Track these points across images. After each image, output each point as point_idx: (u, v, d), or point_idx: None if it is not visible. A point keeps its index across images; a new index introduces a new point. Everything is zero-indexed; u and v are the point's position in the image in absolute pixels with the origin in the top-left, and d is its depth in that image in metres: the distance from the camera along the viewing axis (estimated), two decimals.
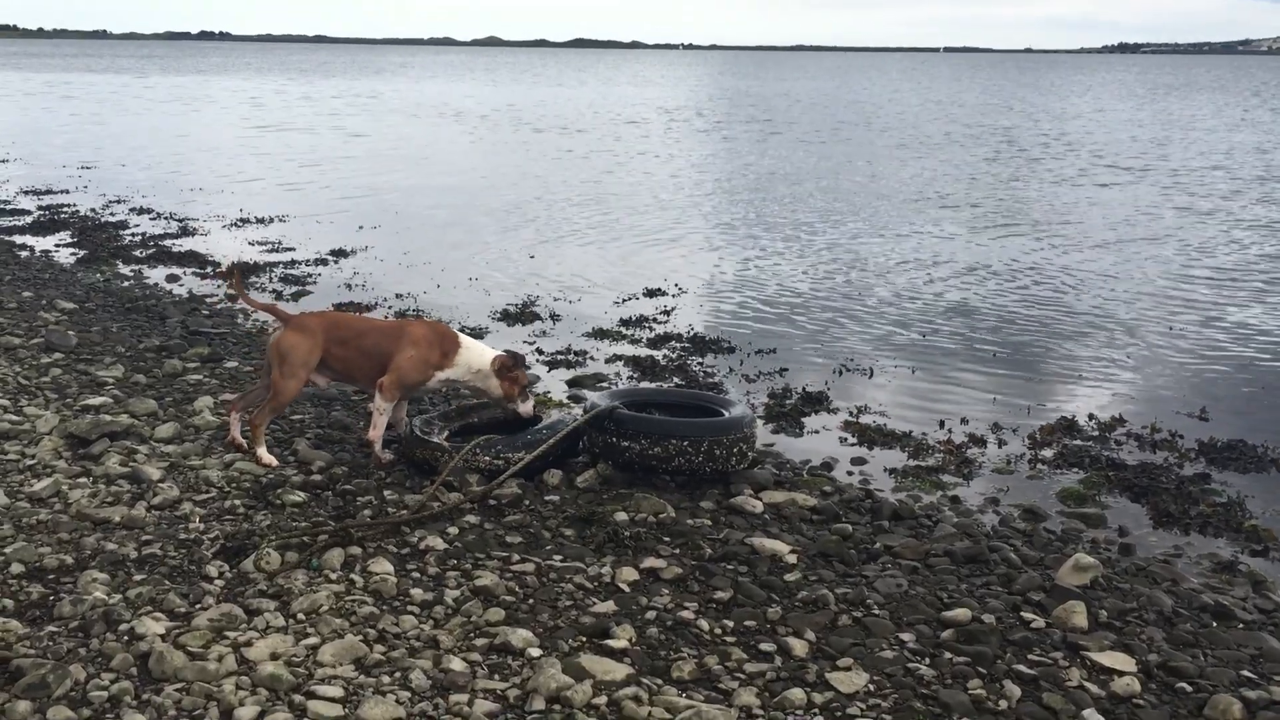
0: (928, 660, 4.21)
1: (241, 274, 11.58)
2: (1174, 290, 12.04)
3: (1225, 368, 9.14)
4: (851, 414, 7.77)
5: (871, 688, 4.00)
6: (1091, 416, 7.74)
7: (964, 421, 7.65)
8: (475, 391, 6.23)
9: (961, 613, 4.53)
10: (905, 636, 4.37)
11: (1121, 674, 4.15)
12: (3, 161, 22.85)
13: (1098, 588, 4.91)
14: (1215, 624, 4.72)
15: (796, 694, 3.89)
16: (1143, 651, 4.34)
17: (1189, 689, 4.10)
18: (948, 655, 4.24)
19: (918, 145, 29.83)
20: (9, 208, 16.50)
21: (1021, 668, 4.15)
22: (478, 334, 9.66)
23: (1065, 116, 44.17)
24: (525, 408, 6.21)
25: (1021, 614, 4.60)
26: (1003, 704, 3.92)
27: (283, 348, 6.00)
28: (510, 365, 6.08)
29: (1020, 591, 4.82)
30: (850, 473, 6.67)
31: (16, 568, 4.60)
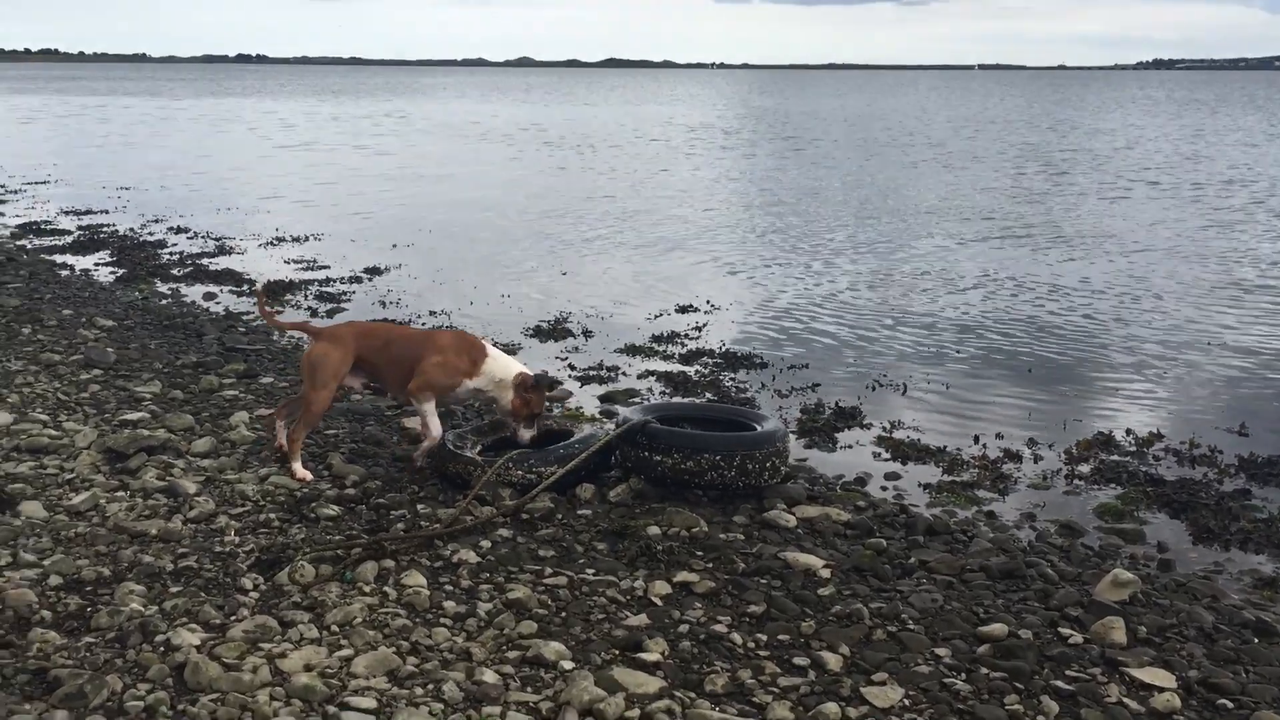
0: (964, 675, 4.16)
1: (270, 294, 11.69)
2: (1212, 305, 11.91)
3: (1265, 383, 9.02)
4: (885, 429, 7.72)
5: (907, 702, 3.96)
6: (1129, 431, 7.66)
7: (999, 436, 7.59)
8: (490, 401, 6.20)
9: (998, 628, 4.48)
10: (941, 651, 4.33)
11: (1161, 690, 4.09)
12: (44, 183, 23.20)
13: (1137, 603, 4.85)
14: (1257, 640, 4.65)
15: (831, 708, 3.86)
16: (1183, 668, 4.28)
17: (1230, 705, 4.03)
18: (984, 670, 4.19)
19: (947, 161, 29.71)
20: (50, 227, 16.74)
21: (1059, 683, 4.10)
22: (510, 350, 9.70)
23: (1098, 132, 43.88)
24: (524, 433, 6.07)
25: (1059, 629, 4.55)
26: None
27: (313, 359, 6.07)
28: (528, 385, 6.02)
29: (1058, 607, 4.76)
30: (884, 488, 6.63)
31: (55, 580, 4.64)
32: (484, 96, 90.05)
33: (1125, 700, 4.02)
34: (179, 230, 16.72)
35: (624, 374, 9.02)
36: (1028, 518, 6.21)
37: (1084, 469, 6.98)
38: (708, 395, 8.39)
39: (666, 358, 9.55)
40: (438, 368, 6.00)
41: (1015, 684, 4.09)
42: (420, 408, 6.04)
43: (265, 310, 6.74)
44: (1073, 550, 5.65)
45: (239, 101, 73.06)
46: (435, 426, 6.03)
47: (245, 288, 12.26)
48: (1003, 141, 38.15)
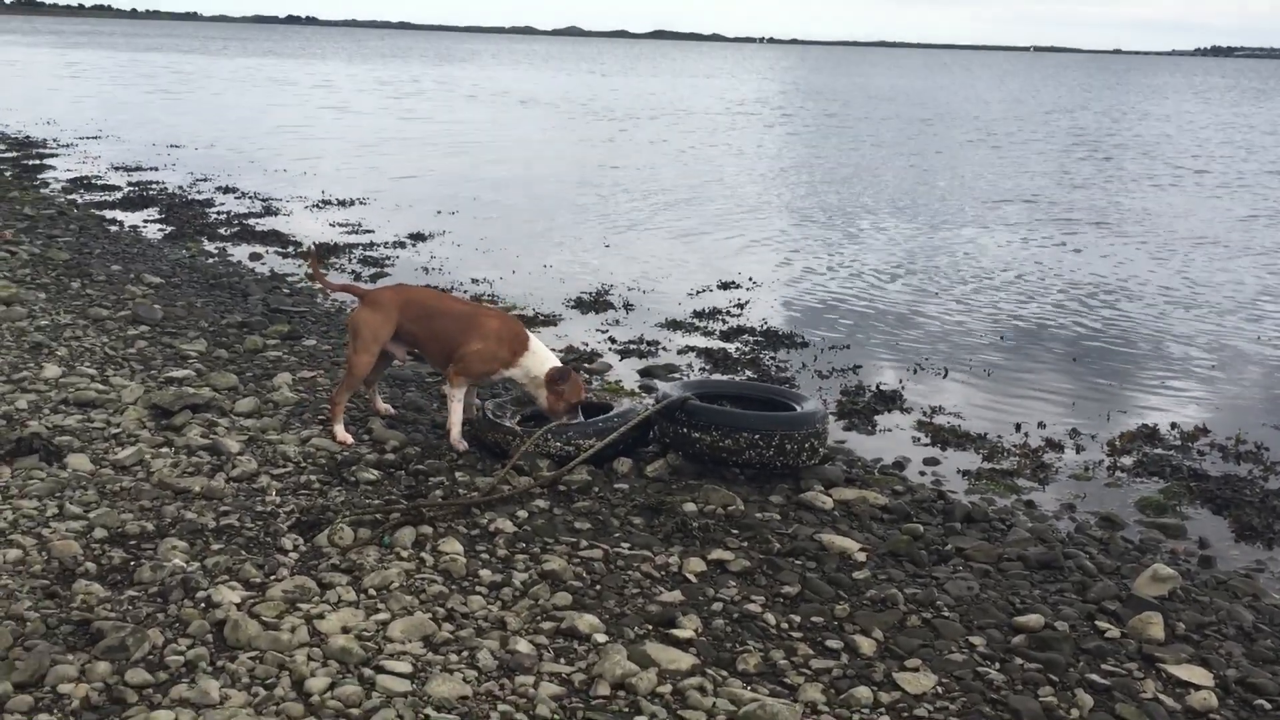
0: (998, 665, 4.14)
1: (321, 256, 11.76)
2: (1262, 299, 11.71)
3: None
4: (925, 413, 7.67)
5: (940, 690, 3.95)
6: (1174, 425, 7.57)
7: (1040, 425, 7.52)
8: (527, 396, 6.15)
9: (1034, 619, 4.45)
10: (975, 640, 4.31)
11: (1198, 688, 4.05)
12: (95, 138, 23.44)
13: (1176, 599, 4.80)
14: None
15: (863, 692, 3.86)
16: (1221, 666, 4.23)
17: (1268, 706, 3.99)
18: (1019, 661, 4.17)
19: (995, 143, 29.35)
20: (100, 183, 16.93)
21: (1095, 677, 4.07)
22: (551, 321, 9.72)
23: (1150, 118, 43.17)
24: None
25: (1096, 623, 4.51)
26: (1074, 713, 3.85)
27: (355, 323, 6.09)
28: (556, 379, 5.91)
29: (1095, 600, 4.72)
30: (922, 473, 6.59)
31: (100, 532, 4.72)
32: (532, 64, 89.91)
33: (1161, 697, 3.99)
34: (227, 190, 16.85)
35: (664, 349, 9.01)
36: (1067, 508, 6.16)
37: (1126, 461, 6.91)
38: (748, 373, 8.36)
39: (707, 334, 9.53)
40: (476, 356, 5.94)
41: (1050, 676, 4.07)
42: (450, 392, 6.01)
43: (318, 271, 6.74)
44: (1112, 543, 5.60)
45: (289, 63, 73.38)
46: (457, 413, 6.01)
47: (291, 249, 12.35)
48: (1053, 125, 37.63)
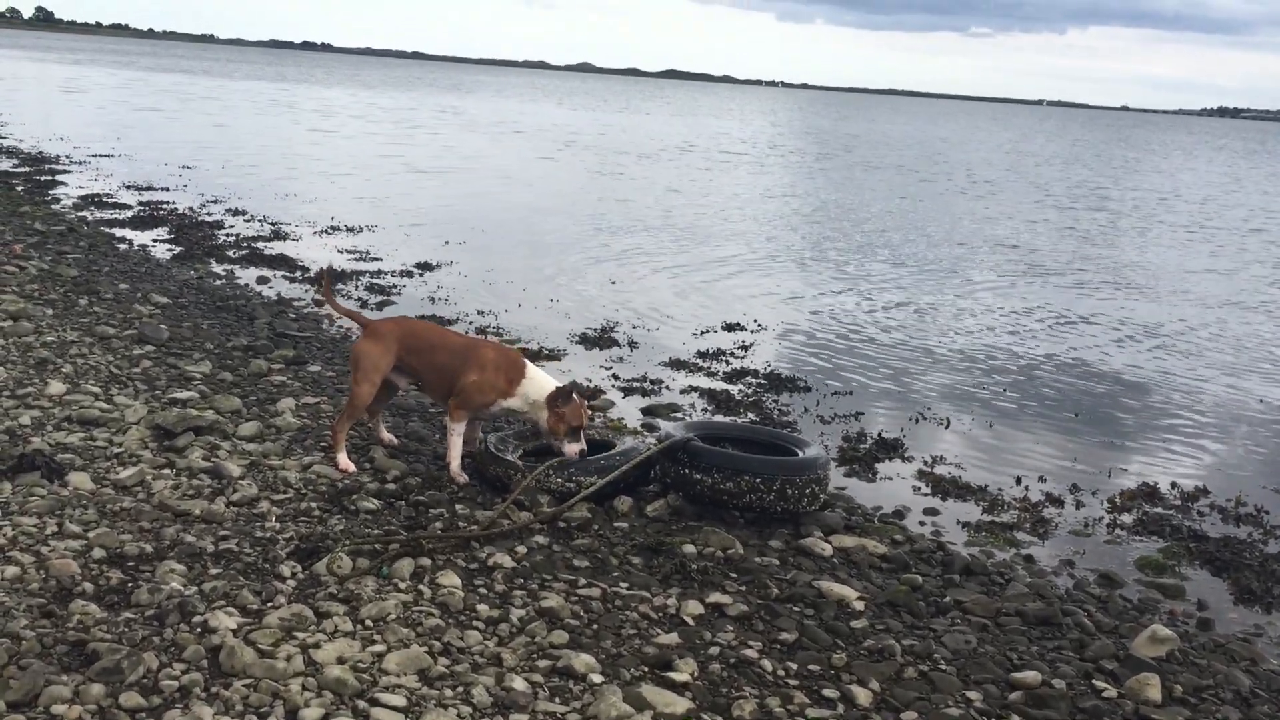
0: None
1: (333, 278, 11.79)
2: (1263, 360, 11.73)
3: None
4: (926, 463, 7.67)
5: None
6: (1174, 484, 7.56)
7: (1041, 479, 7.52)
8: (530, 423, 6.15)
9: (1031, 675, 4.44)
10: (972, 695, 4.30)
11: None
12: (107, 156, 23.56)
13: (1174, 661, 4.78)
14: None
15: None
16: None
17: None
18: (1015, 718, 4.15)
19: (997, 192, 29.49)
20: (111, 201, 17.00)
21: None
22: (555, 356, 9.74)
23: (1156, 175, 43.39)
24: (570, 448, 5.92)
25: (1093, 682, 4.50)
26: None
27: (357, 353, 6.13)
28: (556, 399, 5.90)
29: (1093, 658, 4.71)
30: (922, 523, 6.58)
31: (98, 552, 4.71)
32: (544, 98, 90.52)
33: None
34: (237, 212, 16.93)
35: (667, 388, 9.03)
36: (1066, 564, 6.14)
37: (1126, 519, 6.90)
38: (750, 416, 8.37)
39: (710, 374, 9.55)
40: (474, 387, 5.97)
41: None
42: (451, 426, 6.03)
43: (330, 293, 6.74)
44: (1111, 601, 5.58)
45: (304, 88, 73.88)
46: (457, 449, 6.03)
47: (299, 274, 12.39)
48: (1062, 179, 37.82)
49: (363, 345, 6.14)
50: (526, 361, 6.14)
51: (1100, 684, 4.48)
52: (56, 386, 6.84)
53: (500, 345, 6.46)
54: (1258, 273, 18.33)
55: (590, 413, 6.16)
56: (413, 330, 6.30)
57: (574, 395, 5.94)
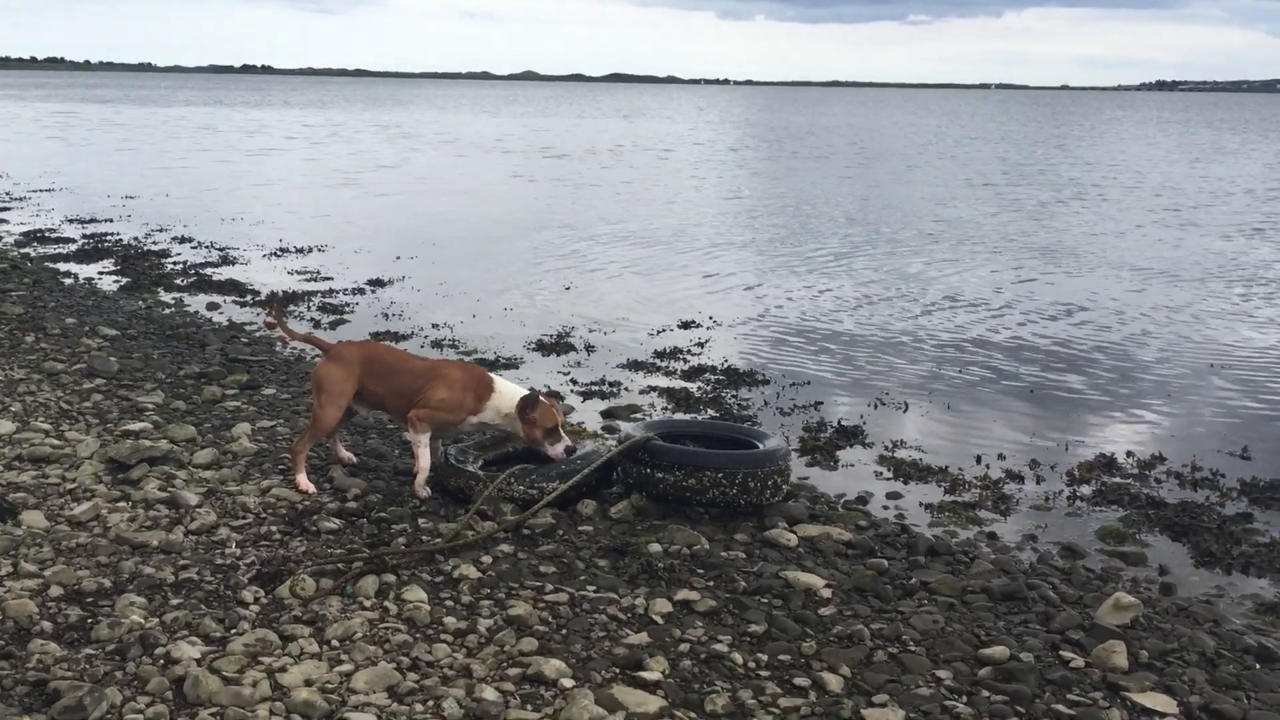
0: (965, 698, 4.15)
1: (282, 304, 11.69)
2: (1214, 326, 11.92)
3: (1267, 405, 9.02)
4: (887, 448, 7.72)
5: None
6: (1130, 454, 7.66)
7: (1001, 457, 7.59)
8: (507, 435, 6.17)
9: (999, 650, 4.47)
10: (942, 674, 4.32)
11: (1163, 715, 4.08)
12: (48, 190, 23.23)
13: (1138, 627, 4.83)
14: (1259, 666, 4.64)
15: None
16: (1184, 693, 4.26)
17: None
18: (985, 693, 4.18)
19: (945, 178, 29.77)
20: (54, 235, 16.75)
21: (1060, 707, 4.09)
22: (513, 364, 9.71)
23: (1098, 153, 43.98)
24: (553, 450, 5.96)
25: (1060, 653, 4.54)
26: None
27: (320, 377, 6.09)
28: (525, 407, 5.90)
29: (1059, 630, 4.75)
30: (885, 507, 6.62)
31: (56, 590, 4.64)
32: (488, 109, 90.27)
33: None
34: (183, 240, 16.74)
35: (626, 390, 9.02)
36: (1029, 539, 6.20)
37: (1086, 490, 6.98)
38: (710, 412, 8.38)
39: (669, 374, 9.56)
40: (443, 405, 5.93)
41: (1016, 707, 4.08)
42: (414, 438, 5.97)
43: (280, 319, 6.67)
44: (1074, 573, 5.64)
45: (245, 112, 73.23)
46: (425, 459, 5.98)
47: (249, 298, 12.27)
48: (1005, 161, 38.23)
49: (326, 368, 6.09)
50: (493, 376, 6.12)
51: (1068, 654, 4.52)
52: (5, 426, 6.73)
53: (464, 363, 6.43)
54: (1195, 243, 18.60)
55: (562, 415, 6.14)
56: (375, 354, 6.26)
57: (540, 399, 5.94)
